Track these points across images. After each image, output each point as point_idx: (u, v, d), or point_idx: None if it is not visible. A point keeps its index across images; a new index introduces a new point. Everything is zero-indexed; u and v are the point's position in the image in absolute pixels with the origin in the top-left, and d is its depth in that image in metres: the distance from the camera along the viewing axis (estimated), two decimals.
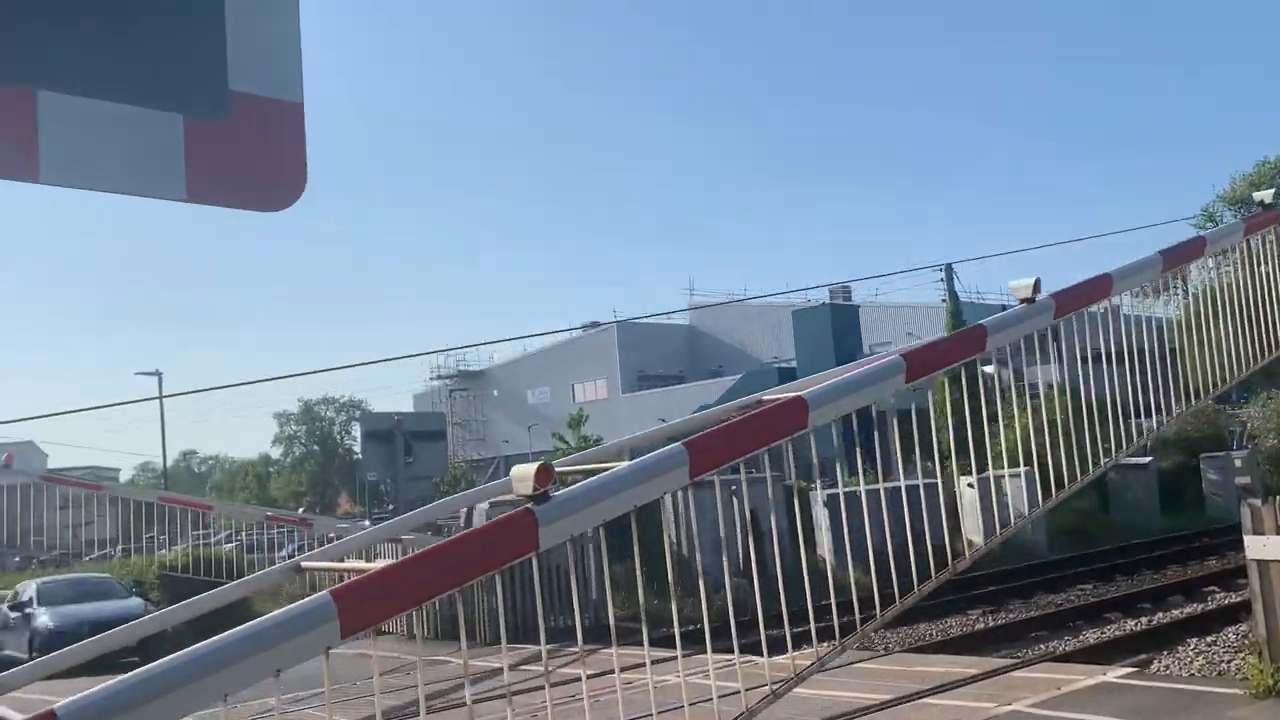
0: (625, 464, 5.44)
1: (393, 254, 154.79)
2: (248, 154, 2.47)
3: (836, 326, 49.16)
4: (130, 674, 3.49)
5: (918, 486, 12.36)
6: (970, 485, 9.81)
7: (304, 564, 5.86)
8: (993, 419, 9.98)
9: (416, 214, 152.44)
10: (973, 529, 12.96)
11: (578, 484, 5.09)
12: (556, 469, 5.08)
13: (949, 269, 40.21)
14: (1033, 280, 8.12)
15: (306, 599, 3.96)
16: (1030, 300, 8.11)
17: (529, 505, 4.66)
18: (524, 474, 4.68)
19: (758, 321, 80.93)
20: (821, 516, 20.05)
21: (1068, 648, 13.66)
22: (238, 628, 3.79)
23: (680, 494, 8.24)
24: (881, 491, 9.74)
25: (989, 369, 9.18)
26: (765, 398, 6.77)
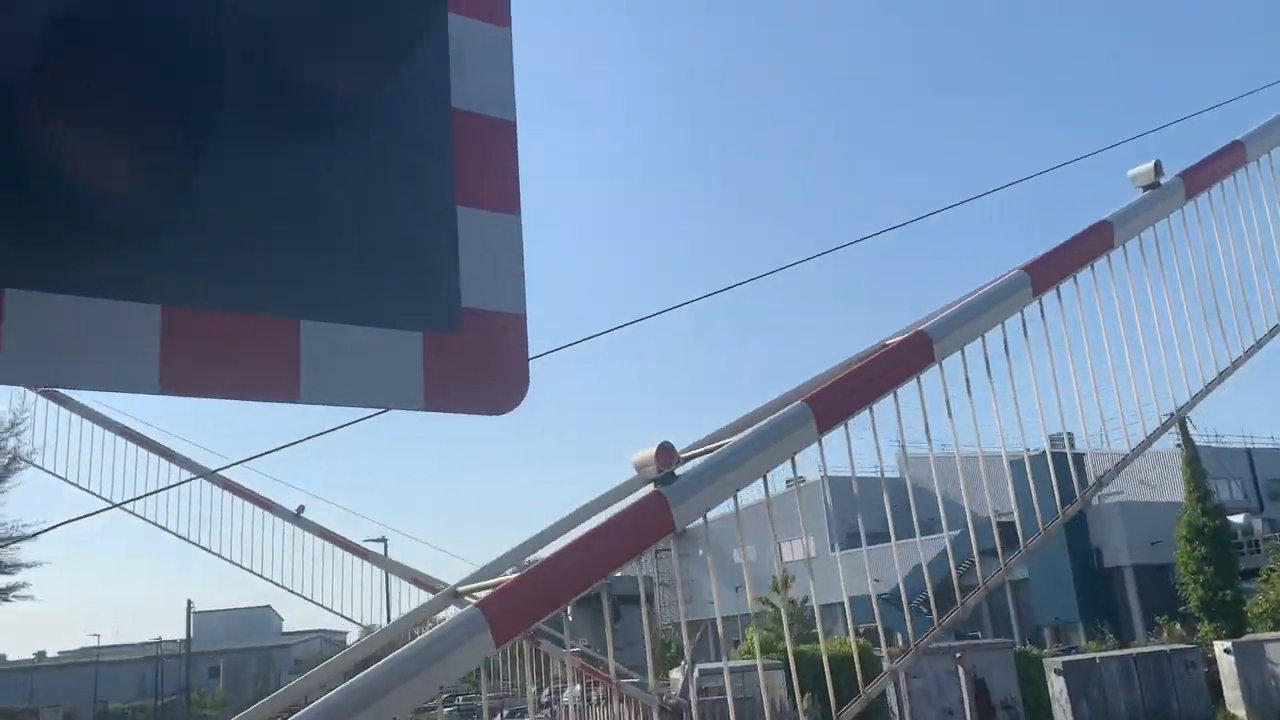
0: (747, 431, 5.39)
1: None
2: (478, 364, 2.66)
3: (1060, 477, 45.70)
4: (297, 714, 3.63)
5: (1165, 652, 11.44)
6: (1227, 651, 9.23)
7: (460, 589, 5.99)
8: (1249, 574, 9.41)
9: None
10: (1235, 701, 11.98)
11: (701, 459, 5.07)
12: (681, 455, 5.06)
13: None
14: (1151, 163, 7.71)
15: (457, 614, 4.06)
16: (1155, 185, 7.71)
17: (657, 488, 4.67)
18: (645, 458, 4.68)
19: (971, 473, 78.73)
20: (1057, 686, 17.90)
21: None
22: (396, 651, 3.91)
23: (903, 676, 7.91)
24: (1125, 658, 9.20)
25: (1238, 519, 8.73)
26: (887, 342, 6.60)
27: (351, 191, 2.55)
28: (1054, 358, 6.91)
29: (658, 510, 4.60)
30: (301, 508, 19.92)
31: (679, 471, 4.71)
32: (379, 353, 2.52)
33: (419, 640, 3.92)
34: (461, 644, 3.92)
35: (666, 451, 4.74)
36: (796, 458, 5.30)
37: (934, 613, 6.54)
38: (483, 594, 6.36)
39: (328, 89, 2.53)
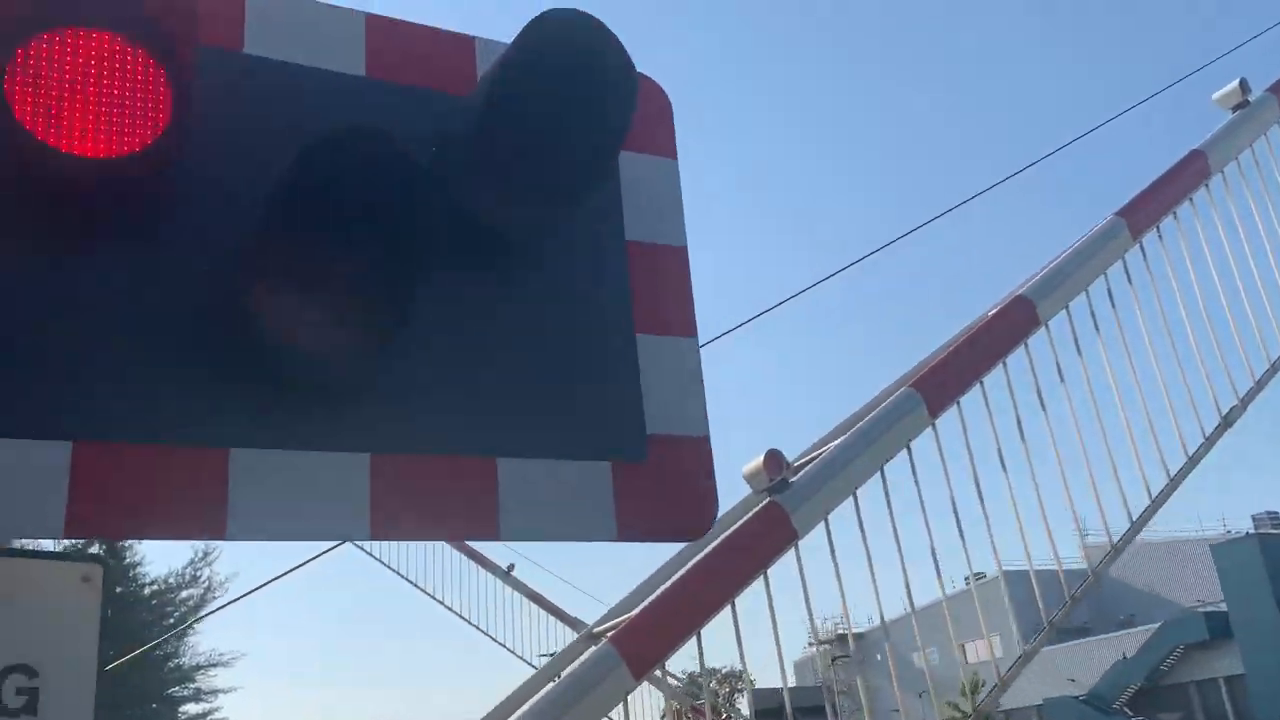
0: (857, 425, 5.24)
1: None
2: (666, 491, 2.70)
3: (1270, 561, 39.68)
4: None
5: None
6: None
7: (596, 630, 5.94)
8: None
9: None
10: None
11: (813, 462, 4.95)
12: (794, 464, 4.95)
13: None
14: (1236, 82, 7.34)
15: (589, 652, 4.01)
16: (1244, 104, 7.33)
17: (771, 498, 4.56)
18: (754, 469, 4.57)
19: (1168, 560, 68.60)
20: None
21: None
22: (535, 698, 3.88)
23: None
24: None
25: None
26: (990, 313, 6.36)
27: (537, 331, 2.66)
28: (1162, 303, 6.61)
29: (776, 520, 4.48)
30: (512, 566, 20.01)
31: (792, 480, 4.60)
32: (571, 485, 2.58)
33: (556, 686, 3.89)
34: (600, 682, 3.85)
35: (775, 459, 4.61)
36: (969, 551, 5.21)
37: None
38: (614, 624, 6.33)
39: (512, 235, 2.65)
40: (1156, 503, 5.86)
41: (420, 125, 2.64)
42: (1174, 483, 5.94)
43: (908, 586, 5.30)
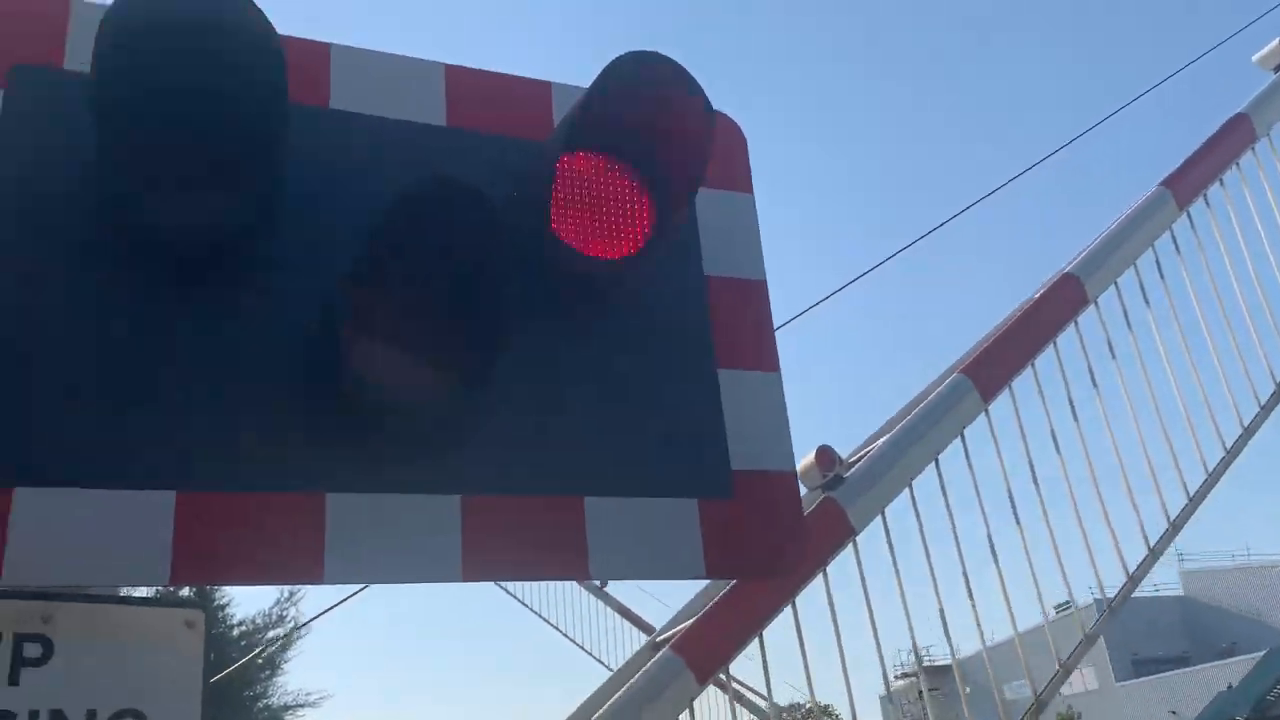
0: (909, 416, 5.22)
1: None
2: (753, 527, 2.69)
3: None
4: None
5: None
6: None
7: (659, 638, 5.95)
8: None
9: None
10: None
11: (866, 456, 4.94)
12: (848, 460, 4.94)
13: None
14: (1277, 41, 7.20)
15: (652, 661, 4.04)
16: None
17: (825, 494, 4.56)
18: (806, 465, 4.56)
19: (1272, 585, 64.88)
20: None
21: None
22: (600, 710, 3.91)
23: None
24: None
25: None
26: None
27: (620, 369, 2.68)
28: (1213, 273, 6.47)
29: (832, 516, 4.48)
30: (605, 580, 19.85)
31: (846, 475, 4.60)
32: (659, 523, 2.59)
33: (620, 696, 3.91)
34: (665, 689, 3.88)
35: (827, 454, 4.60)
36: (1069, 581, 5.17)
37: None
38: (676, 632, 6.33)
39: (594, 276, 2.68)
40: (1213, 477, 5.80)
41: (501, 171, 2.69)
42: (1230, 455, 5.87)
43: (975, 620, 5.23)
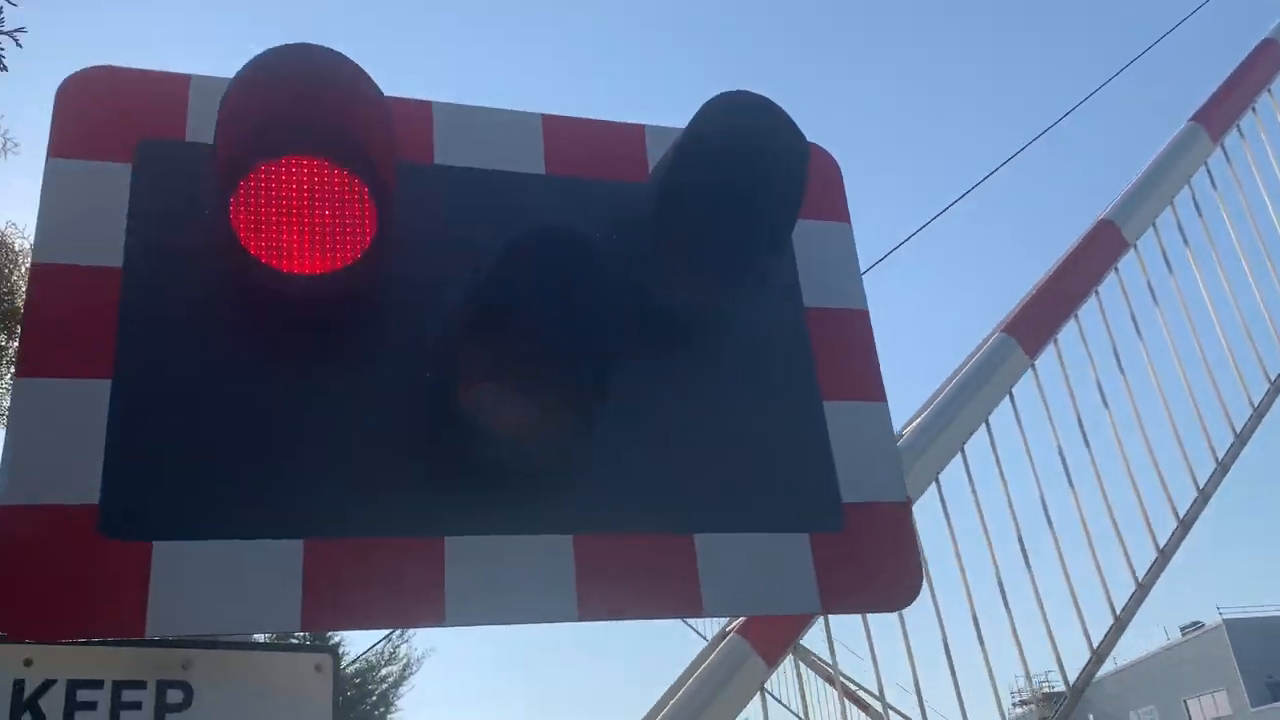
0: (954, 382, 5.26)
1: None
2: (867, 560, 2.69)
3: None
4: None
5: None
6: None
7: (727, 629, 6.04)
8: None
9: None
10: None
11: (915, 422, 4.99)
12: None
13: None
14: None
15: (719, 647, 4.16)
16: None
17: None
18: None
19: None
20: None
21: None
22: (671, 701, 4.03)
23: None
24: None
25: None
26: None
27: (725, 406, 2.70)
28: (1250, 205, 6.34)
29: None
30: None
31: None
32: (771, 558, 2.60)
33: (691, 684, 4.02)
34: (734, 675, 3.98)
35: None
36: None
37: None
38: None
39: (694, 315, 2.71)
40: (1259, 413, 5.76)
41: (600, 214, 2.74)
42: (1275, 388, 5.85)
43: (1086, 635, 5.02)
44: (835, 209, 3.08)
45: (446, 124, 2.78)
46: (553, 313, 2.37)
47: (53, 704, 2.29)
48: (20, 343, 2.31)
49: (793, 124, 2.54)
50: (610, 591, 2.47)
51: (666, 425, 2.64)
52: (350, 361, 2.45)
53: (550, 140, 2.87)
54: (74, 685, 2.30)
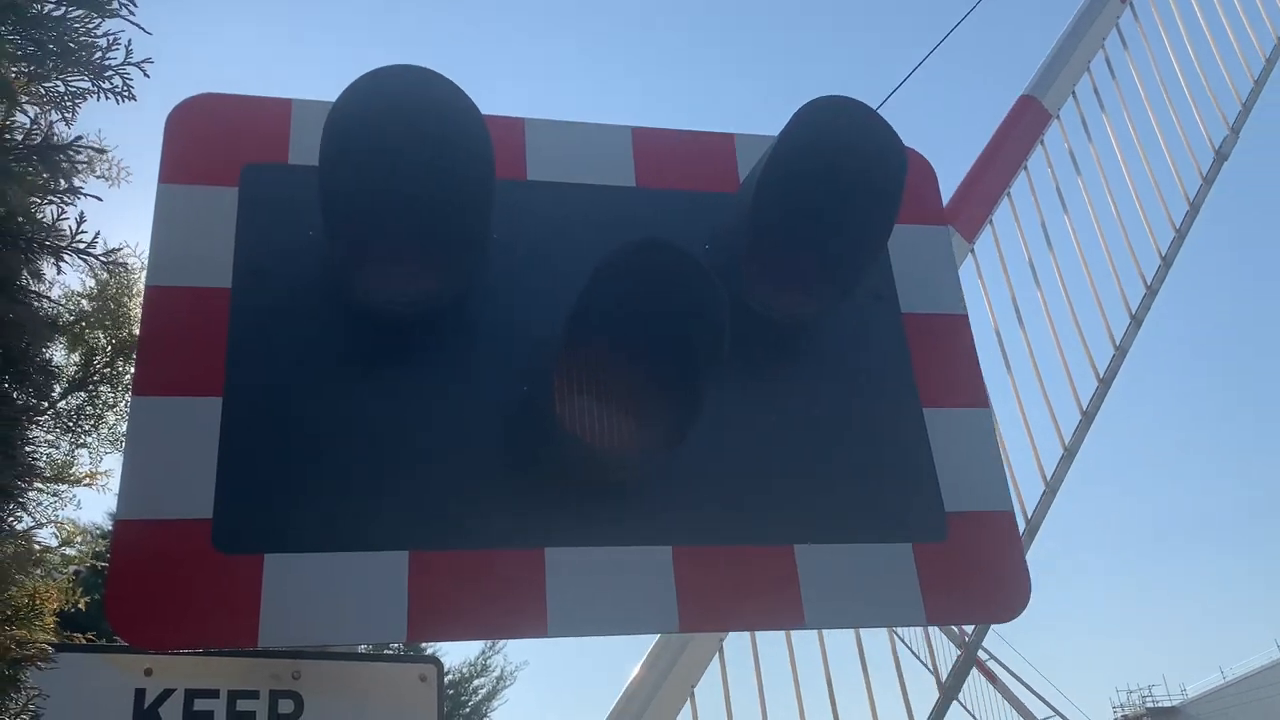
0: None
1: None
2: (973, 570, 2.65)
3: None
4: None
5: None
6: None
7: None
8: None
9: None
10: None
11: None
12: None
13: None
14: None
15: None
16: None
17: None
18: None
19: None
20: None
21: None
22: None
23: None
24: None
25: None
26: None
27: (822, 415, 2.68)
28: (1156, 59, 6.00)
29: None
30: None
31: None
32: (873, 569, 2.57)
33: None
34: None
35: None
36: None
37: None
38: None
39: (791, 324, 2.68)
40: (1166, 263, 5.71)
41: (692, 226, 2.75)
42: (1192, 213, 5.80)
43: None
44: (929, 213, 3.03)
45: (538, 140, 2.81)
46: (649, 325, 2.38)
47: (172, 712, 2.36)
48: (135, 363, 2.40)
49: (888, 128, 2.51)
50: (711, 603, 2.45)
51: (763, 436, 2.62)
52: (450, 376, 2.49)
53: (640, 153, 2.88)
54: (191, 694, 2.38)
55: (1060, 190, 5.57)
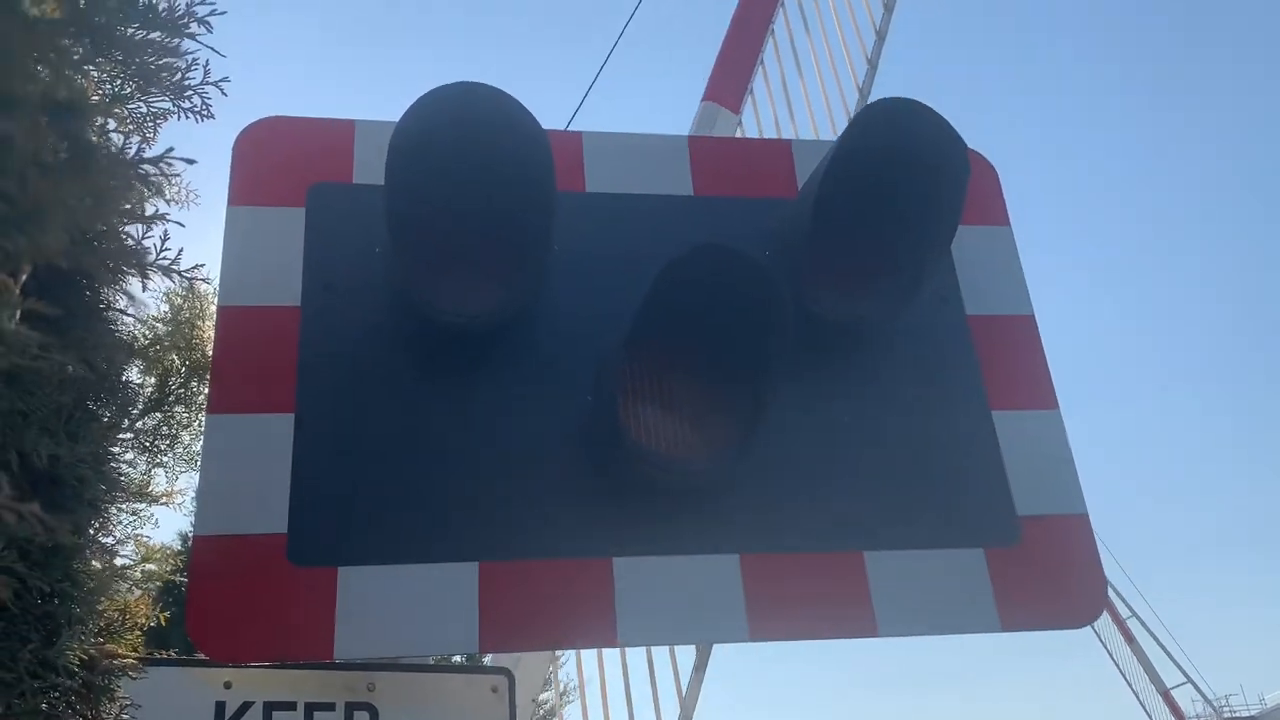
0: None
1: None
2: (1046, 575, 2.62)
3: None
4: None
5: None
6: None
7: None
8: None
9: None
10: None
11: None
12: None
13: None
14: None
15: None
16: None
17: None
18: None
19: None
20: None
21: None
22: None
23: None
24: None
25: None
26: None
27: (890, 420, 2.65)
28: None
29: None
30: None
31: None
32: (945, 576, 2.53)
33: None
34: None
35: None
36: None
37: None
38: None
39: (855, 329, 2.68)
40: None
41: (751, 232, 2.74)
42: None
43: None
44: (993, 213, 3.00)
45: (596, 152, 2.83)
46: (712, 330, 2.38)
47: None
48: (209, 381, 2.45)
49: (950, 129, 2.48)
50: (781, 611, 2.43)
51: (831, 441, 2.60)
52: (516, 388, 2.51)
53: (697, 161, 2.89)
54: (270, 706, 2.41)
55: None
